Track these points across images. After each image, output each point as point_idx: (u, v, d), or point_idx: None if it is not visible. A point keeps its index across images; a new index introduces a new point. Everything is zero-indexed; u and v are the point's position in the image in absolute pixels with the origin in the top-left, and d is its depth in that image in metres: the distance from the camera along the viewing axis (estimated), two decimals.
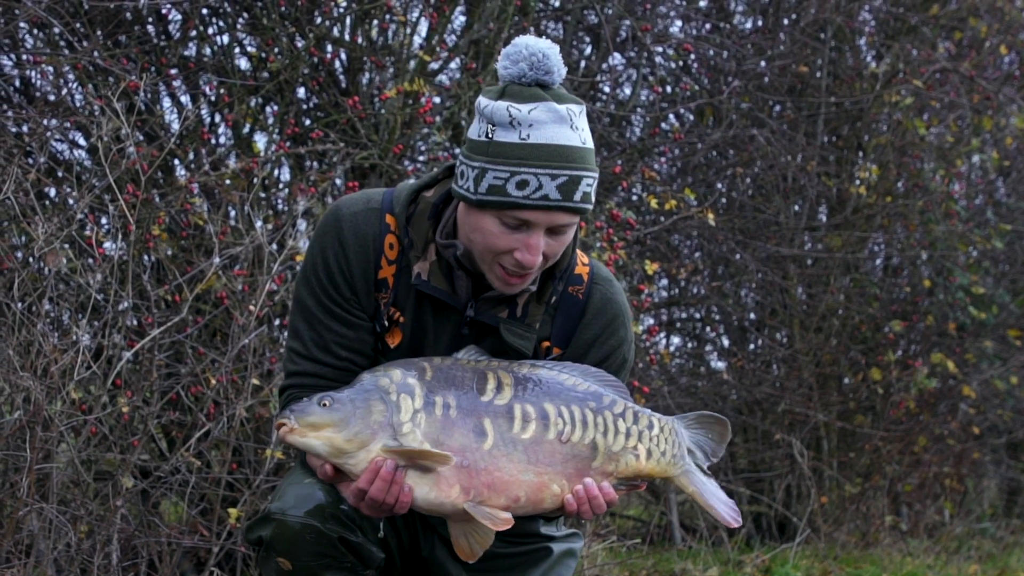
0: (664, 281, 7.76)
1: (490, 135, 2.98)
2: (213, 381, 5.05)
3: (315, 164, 5.99)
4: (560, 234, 3.03)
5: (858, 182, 8.10)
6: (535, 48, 3.00)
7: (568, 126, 2.98)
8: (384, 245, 3.13)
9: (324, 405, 2.95)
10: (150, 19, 5.95)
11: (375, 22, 6.08)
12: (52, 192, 5.41)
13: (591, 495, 3.02)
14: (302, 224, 5.42)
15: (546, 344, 3.20)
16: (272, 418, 5.24)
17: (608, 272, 3.29)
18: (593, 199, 3.03)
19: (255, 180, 5.42)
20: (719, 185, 7.85)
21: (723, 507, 3.15)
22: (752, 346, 8.31)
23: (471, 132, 3.04)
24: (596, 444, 3.04)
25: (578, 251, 3.23)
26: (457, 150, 6.07)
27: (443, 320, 3.15)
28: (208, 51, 6.06)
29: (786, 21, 8.01)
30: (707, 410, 3.25)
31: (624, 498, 8.56)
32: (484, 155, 2.98)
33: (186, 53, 6.01)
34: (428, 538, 3.30)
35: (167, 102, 6.02)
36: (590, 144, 3.02)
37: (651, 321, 7.38)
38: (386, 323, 3.15)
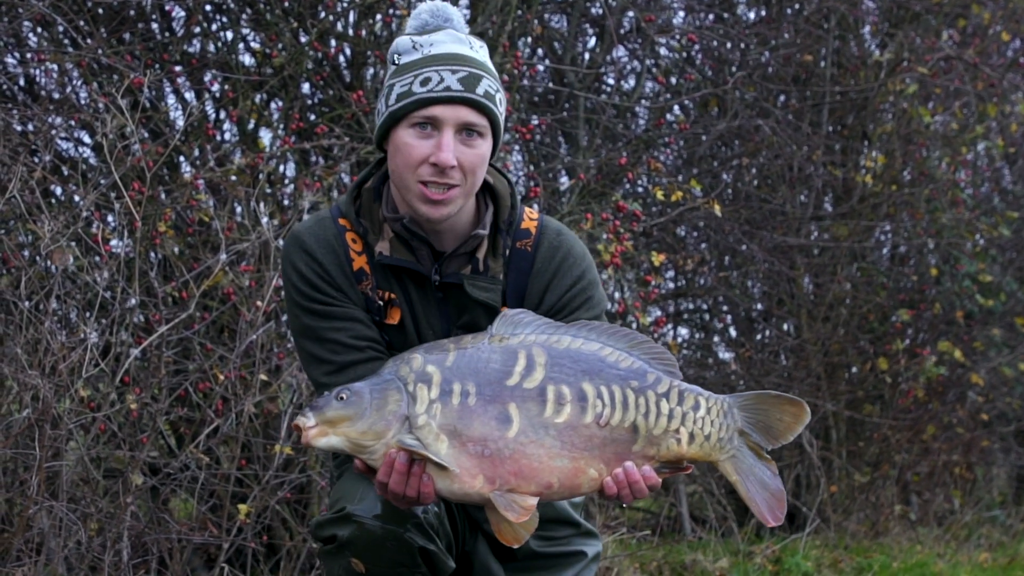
0: (671, 272, 7.74)
1: (396, 62, 3.15)
2: (221, 377, 5.04)
3: (320, 159, 5.99)
4: (471, 137, 3.10)
5: (864, 171, 8.08)
6: (438, 4, 3.19)
7: (467, 46, 3.16)
8: (347, 241, 3.21)
9: (342, 399, 2.90)
10: (154, 16, 5.95)
11: (378, 16, 6.08)
12: (58, 190, 5.41)
13: (632, 480, 2.93)
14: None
15: (504, 306, 3.21)
16: (280, 414, 5.24)
17: (558, 224, 3.32)
18: (500, 105, 3.14)
19: (260, 176, 5.41)
20: (725, 176, 7.84)
21: (763, 502, 3.01)
22: (760, 336, 8.30)
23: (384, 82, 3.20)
24: (637, 427, 2.94)
25: (527, 209, 3.29)
26: None
27: (422, 290, 3.20)
28: (212, 47, 6.06)
29: (789, 11, 7.99)
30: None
31: None
32: (391, 77, 3.13)
33: (190, 50, 6.01)
34: (472, 535, 3.31)
35: (171, 99, 6.02)
36: (491, 67, 3.16)
37: (658, 312, 7.36)
38: (380, 304, 3.19)
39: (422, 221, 3.15)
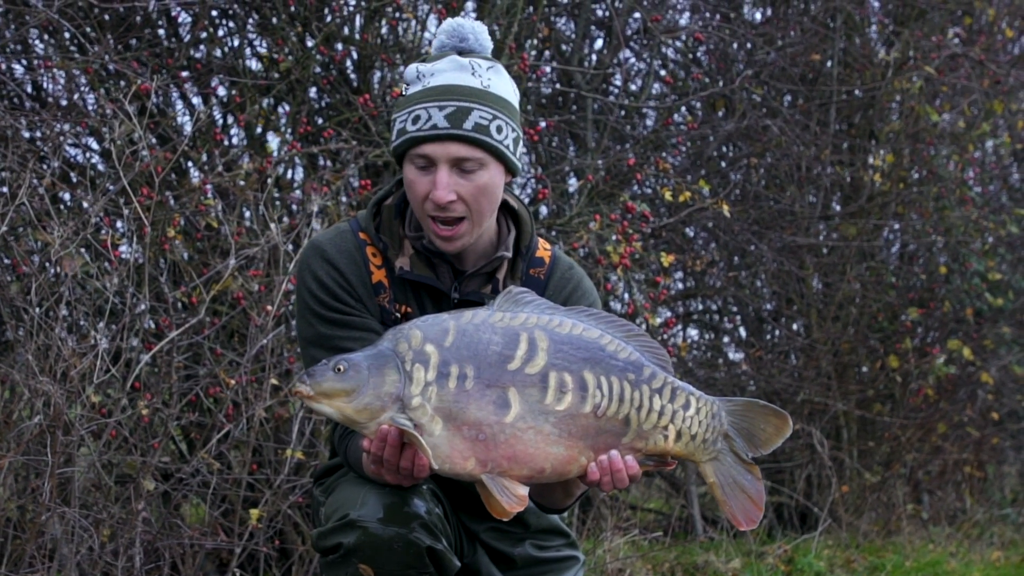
0: (680, 273, 7.73)
1: (404, 92, 3.16)
2: (232, 382, 5.04)
3: (328, 163, 5.99)
4: (468, 172, 3.11)
5: (872, 170, 8.07)
6: (456, 22, 3.19)
7: (469, 72, 3.13)
8: (367, 254, 3.23)
9: (339, 370, 2.89)
10: (160, 22, 5.95)
11: (384, 19, 6.07)
12: (67, 197, 5.41)
13: (615, 468, 2.96)
14: (317, 224, 5.42)
15: None
16: (291, 418, 5.24)
17: (570, 259, 3.38)
18: (496, 134, 3.12)
19: (268, 180, 5.41)
20: (733, 176, 7.83)
21: (738, 505, 3.04)
22: (769, 336, 8.29)
23: None
24: (629, 420, 2.96)
25: (541, 240, 3.33)
26: None
27: (438, 307, 3.21)
28: (218, 53, 6.06)
29: (794, 10, 7.98)
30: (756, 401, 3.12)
31: (645, 492, 8.54)
32: (396, 109, 3.16)
33: (196, 55, 6.01)
34: (471, 545, 3.32)
35: (179, 104, 6.02)
36: (496, 91, 3.14)
37: (668, 314, 7.35)
38: (397, 317, 3.20)
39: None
